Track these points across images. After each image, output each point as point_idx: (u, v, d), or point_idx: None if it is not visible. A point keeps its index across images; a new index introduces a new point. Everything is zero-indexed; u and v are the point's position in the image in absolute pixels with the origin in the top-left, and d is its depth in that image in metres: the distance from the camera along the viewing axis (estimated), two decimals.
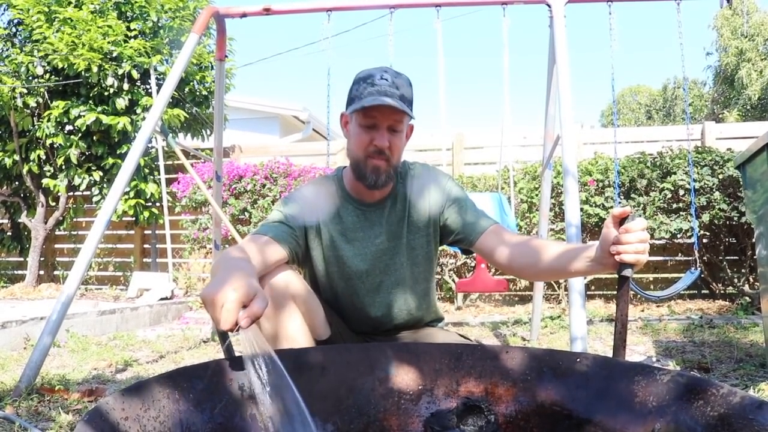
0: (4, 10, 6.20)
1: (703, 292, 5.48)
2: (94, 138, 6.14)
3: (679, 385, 0.91)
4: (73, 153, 6.04)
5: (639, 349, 3.40)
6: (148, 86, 6.22)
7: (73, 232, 7.47)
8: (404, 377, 1.13)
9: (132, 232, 7.37)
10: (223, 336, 1.04)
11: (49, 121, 5.95)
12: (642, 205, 5.12)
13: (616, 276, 1.18)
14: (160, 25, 6.23)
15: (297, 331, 1.44)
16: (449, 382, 1.13)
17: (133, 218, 6.41)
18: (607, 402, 0.98)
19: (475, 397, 1.10)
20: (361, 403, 1.10)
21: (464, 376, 1.13)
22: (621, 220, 1.17)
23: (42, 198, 6.60)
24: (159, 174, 6.17)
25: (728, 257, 5.22)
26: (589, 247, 1.29)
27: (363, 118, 1.51)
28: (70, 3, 6.00)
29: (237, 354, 1.05)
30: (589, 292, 5.66)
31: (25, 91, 5.92)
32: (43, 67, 5.91)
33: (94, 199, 6.38)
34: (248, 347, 0.99)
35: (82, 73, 5.76)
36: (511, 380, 1.10)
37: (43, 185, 6.40)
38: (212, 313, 0.98)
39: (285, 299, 1.43)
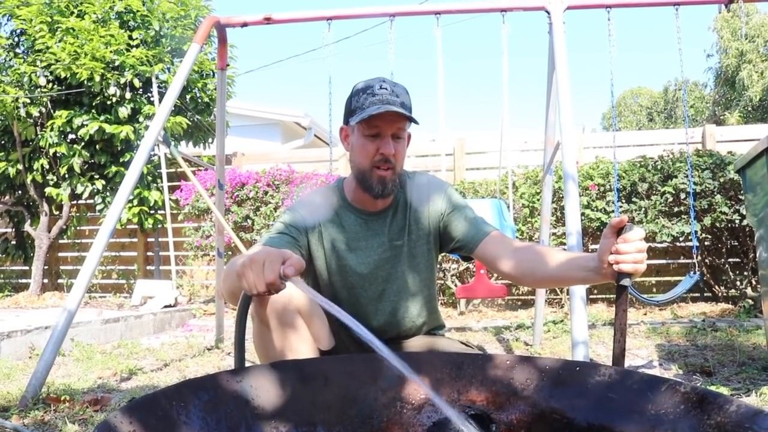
0: (8, 20, 6.24)
1: (705, 295, 5.48)
2: (97, 147, 6.18)
3: (678, 394, 0.92)
4: (76, 162, 6.07)
5: (642, 354, 3.41)
6: (150, 95, 6.26)
7: (76, 241, 7.50)
8: (406, 387, 1.15)
9: (135, 239, 7.40)
10: (243, 312, 1.08)
11: (52, 130, 5.98)
12: (643, 209, 5.13)
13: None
14: (162, 34, 6.27)
15: (301, 341, 1.45)
16: (451, 391, 1.14)
17: (138, 225, 6.44)
18: (607, 410, 0.99)
19: (476, 406, 1.12)
20: (364, 413, 1.11)
21: (465, 385, 1.14)
22: (619, 230, 1.19)
23: (45, 207, 6.63)
24: (162, 182, 6.20)
25: (730, 260, 5.23)
26: (588, 256, 1.31)
27: (367, 128, 1.52)
28: (72, 13, 6.05)
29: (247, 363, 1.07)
30: (591, 296, 5.66)
31: (28, 100, 5.96)
32: (46, 76, 5.94)
33: (98, 207, 6.41)
34: (309, 293, 1.04)
35: (85, 82, 5.79)
36: (512, 389, 1.11)
37: (46, 194, 6.43)
38: (254, 274, 1.04)
39: (289, 310, 1.44)
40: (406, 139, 1.62)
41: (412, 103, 1.63)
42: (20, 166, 6.32)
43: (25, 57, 6.14)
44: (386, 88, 1.52)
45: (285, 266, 1.03)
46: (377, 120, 1.50)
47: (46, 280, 7.06)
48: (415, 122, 1.55)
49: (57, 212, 6.84)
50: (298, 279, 1.04)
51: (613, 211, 5.14)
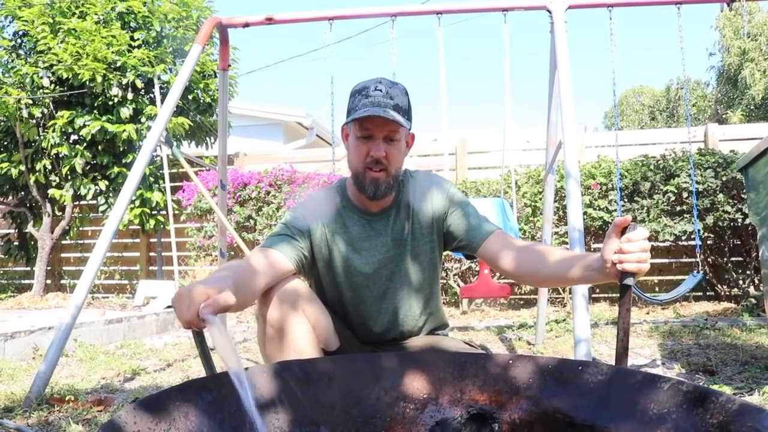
0: (10, 21, 6.25)
1: (708, 293, 5.48)
2: (99, 147, 6.19)
3: (680, 393, 0.93)
4: (79, 162, 6.08)
5: (645, 353, 3.40)
6: (152, 95, 6.26)
7: (79, 242, 7.52)
8: (409, 386, 1.15)
9: (138, 240, 7.41)
10: (201, 342, 1.07)
11: (54, 131, 5.99)
12: (646, 208, 5.12)
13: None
14: (163, 34, 6.28)
15: (306, 342, 1.45)
16: (453, 391, 1.14)
17: (140, 227, 6.45)
18: (609, 410, 0.99)
19: (479, 405, 1.12)
20: (367, 413, 1.12)
21: (468, 385, 1.14)
22: (623, 230, 1.19)
23: (48, 208, 6.64)
24: (164, 182, 6.21)
25: (733, 259, 5.22)
26: (591, 255, 1.31)
27: (359, 129, 1.54)
28: (74, 14, 6.06)
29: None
30: (594, 295, 5.66)
31: (31, 101, 5.97)
32: (48, 77, 5.95)
33: (100, 208, 6.41)
34: (216, 340, 1.01)
35: (87, 83, 5.80)
36: (514, 388, 1.11)
37: (49, 195, 6.44)
38: (178, 310, 1.05)
39: (294, 310, 1.44)
40: (407, 139, 1.62)
41: (414, 103, 1.63)
42: (23, 167, 6.33)
43: (27, 58, 6.15)
44: (381, 90, 1.52)
45: (203, 306, 1.02)
46: (368, 122, 1.51)
47: (48, 281, 7.07)
48: (405, 126, 1.54)
49: (60, 213, 6.85)
50: (216, 320, 1.02)
51: (615, 210, 5.14)
